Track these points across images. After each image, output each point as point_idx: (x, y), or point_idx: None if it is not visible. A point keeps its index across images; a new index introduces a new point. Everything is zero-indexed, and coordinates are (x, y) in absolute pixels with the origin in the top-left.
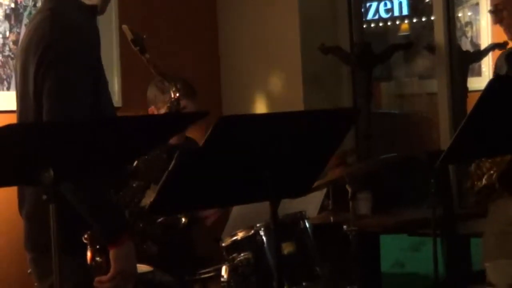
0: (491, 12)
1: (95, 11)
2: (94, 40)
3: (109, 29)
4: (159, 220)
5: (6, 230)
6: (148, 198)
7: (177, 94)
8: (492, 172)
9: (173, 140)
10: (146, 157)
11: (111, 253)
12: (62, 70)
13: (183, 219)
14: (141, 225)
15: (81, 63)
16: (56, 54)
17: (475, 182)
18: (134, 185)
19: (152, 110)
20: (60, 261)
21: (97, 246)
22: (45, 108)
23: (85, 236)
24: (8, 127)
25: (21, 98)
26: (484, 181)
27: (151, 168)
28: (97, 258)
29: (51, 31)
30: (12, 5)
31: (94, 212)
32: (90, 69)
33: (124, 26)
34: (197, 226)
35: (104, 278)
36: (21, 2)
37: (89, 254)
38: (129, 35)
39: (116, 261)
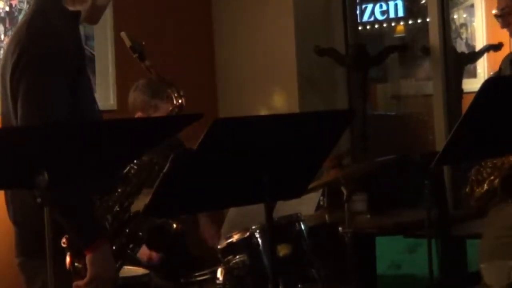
0: (497, 16)
1: (77, 17)
2: (72, 45)
3: (104, 36)
4: (148, 225)
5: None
6: (139, 203)
7: (180, 101)
8: (493, 177)
9: None
10: (136, 161)
11: (87, 258)
12: (35, 75)
13: (174, 225)
14: (127, 230)
15: (56, 68)
16: (30, 58)
17: (475, 188)
18: (119, 190)
19: (139, 115)
20: (51, 266)
21: (76, 251)
22: (19, 113)
23: (63, 240)
24: (1, 130)
25: (2, 102)
26: (485, 186)
27: (141, 173)
28: (76, 264)
29: (26, 35)
30: (7, 9)
31: (68, 215)
32: (66, 74)
33: (123, 33)
34: (192, 229)
35: (80, 282)
36: (15, 5)
37: (68, 258)
38: (128, 42)
39: (92, 266)
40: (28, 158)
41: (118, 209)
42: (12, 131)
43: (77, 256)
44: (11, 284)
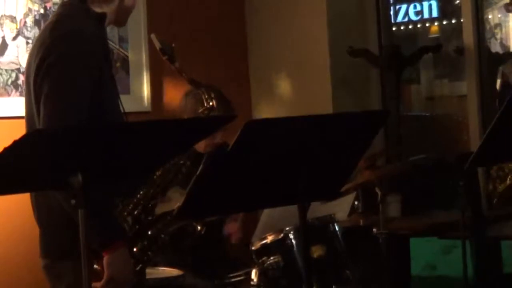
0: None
1: (104, 19)
2: (97, 47)
3: (138, 37)
4: (173, 227)
5: (21, 238)
6: (161, 206)
7: (211, 103)
8: None
9: (200, 147)
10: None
11: (105, 259)
12: (58, 75)
13: (199, 227)
14: (149, 232)
15: (80, 68)
16: (54, 59)
17: (497, 185)
18: (142, 191)
19: None
20: (77, 267)
21: (94, 252)
22: (42, 113)
23: None
24: (36, 132)
25: (26, 104)
26: (508, 181)
27: (166, 174)
28: (95, 266)
29: (51, 36)
30: (42, 11)
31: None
32: (90, 75)
33: (153, 35)
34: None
35: (97, 284)
36: (50, 7)
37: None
38: (157, 44)
39: (109, 267)
40: (62, 160)
41: (140, 211)
42: (46, 133)
43: (95, 257)
44: (34, 285)
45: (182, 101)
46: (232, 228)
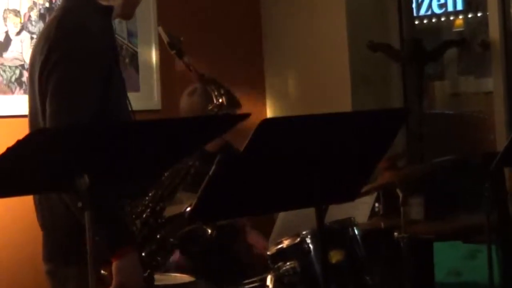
0: None
1: (110, 12)
2: (104, 42)
3: (148, 31)
4: (182, 231)
5: (25, 241)
6: (170, 209)
7: (220, 100)
8: None
9: (209, 147)
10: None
11: (114, 265)
12: (65, 72)
13: (210, 231)
14: (158, 236)
15: (87, 65)
16: (60, 56)
17: None
18: (150, 194)
19: None
20: (82, 273)
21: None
22: (48, 111)
23: None
24: (40, 131)
25: (30, 101)
26: None
27: (175, 176)
28: (102, 271)
29: (56, 31)
30: (47, 5)
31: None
32: (97, 72)
33: (160, 28)
34: (240, 236)
35: None
36: (55, 1)
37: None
38: (165, 38)
39: (118, 274)
40: (68, 160)
41: (148, 214)
42: (51, 132)
43: (102, 262)
44: None
45: (184, 100)
46: (254, 238)
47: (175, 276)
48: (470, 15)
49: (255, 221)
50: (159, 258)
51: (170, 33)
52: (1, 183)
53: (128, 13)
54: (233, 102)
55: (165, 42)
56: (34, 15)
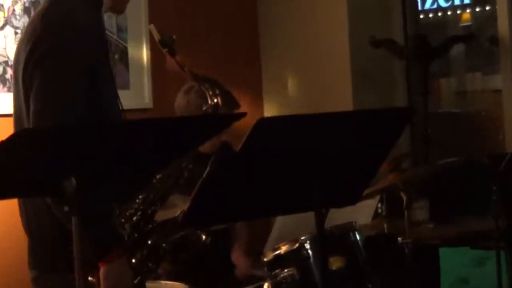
0: None
1: (100, 4)
2: (93, 37)
3: (139, 27)
4: (175, 236)
5: (8, 247)
6: (162, 213)
7: (215, 100)
8: None
9: (205, 148)
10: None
11: (101, 271)
12: (50, 68)
13: (204, 236)
14: (149, 241)
15: (73, 61)
16: (45, 51)
17: None
18: (141, 197)
19: None
20: (69, 280)
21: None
22: (32, 109)
23: None
24: (24, 131)
25: (14, 99)
26: None
27: (167, 178)
28: (89, 278)
29: (41, 26)
30: None
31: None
32: (84, 69)
33: (151, 26)
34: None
35: None
36: None
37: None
38: (156, 36)
39: (106, 280)
40: (54, 162)
41: (139, 218)
42: (35, 132)
43: (90, 268)
44: None
45: (180, 98)
46: (237, 258)
47: (166, 283)
48: (478, 9)
49: (251, 225)
50: (150, 264)
51: (162, 31)
52: None
53: (119, 7)
54: (231, 102)
55: (157, 40)
56: (18, 9)
